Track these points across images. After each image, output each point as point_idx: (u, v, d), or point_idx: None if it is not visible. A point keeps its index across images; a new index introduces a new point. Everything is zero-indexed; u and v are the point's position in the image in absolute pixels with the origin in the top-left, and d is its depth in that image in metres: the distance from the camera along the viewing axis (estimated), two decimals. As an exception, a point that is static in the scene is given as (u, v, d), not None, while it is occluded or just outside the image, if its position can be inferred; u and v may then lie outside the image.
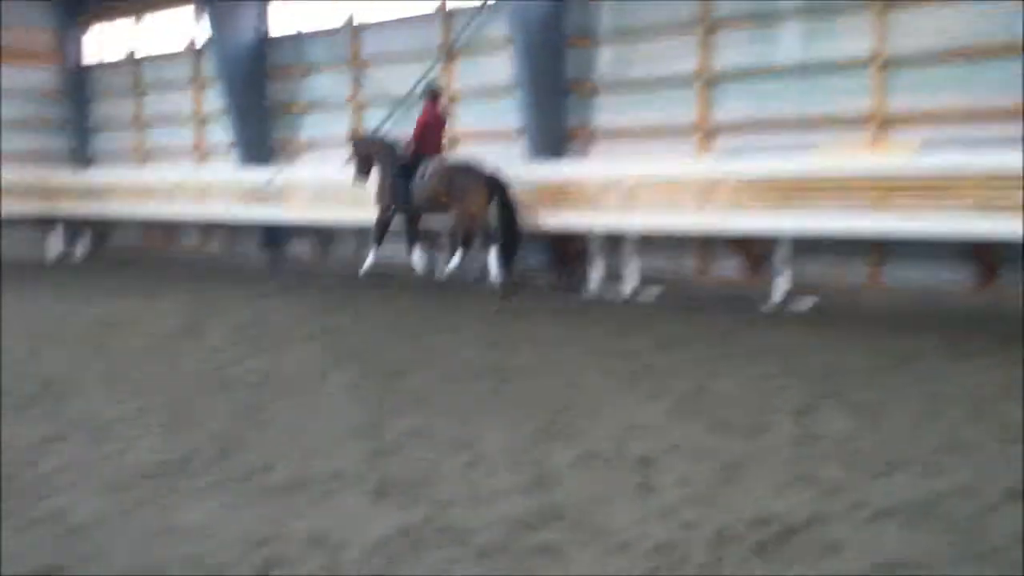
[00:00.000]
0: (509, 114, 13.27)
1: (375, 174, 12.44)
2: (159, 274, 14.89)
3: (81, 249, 18.88)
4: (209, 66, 16.85)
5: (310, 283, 13.32)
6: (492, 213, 11.61)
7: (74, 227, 18.92)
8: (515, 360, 7.57)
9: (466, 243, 11.90)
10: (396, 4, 15.15)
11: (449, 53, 14.36)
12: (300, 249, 16.37)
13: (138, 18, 18.84)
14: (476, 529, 3.90)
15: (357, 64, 15.55)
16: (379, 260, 12.73)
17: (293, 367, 7.32)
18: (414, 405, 6.09)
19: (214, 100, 17.07)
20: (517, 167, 12.63)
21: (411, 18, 14.88)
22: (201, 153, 18.01)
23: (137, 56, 18.99)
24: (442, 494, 4.33)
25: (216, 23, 15.74)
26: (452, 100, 14.40)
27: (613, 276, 11.83)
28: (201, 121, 17.92)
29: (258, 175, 15.39)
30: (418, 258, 12.52)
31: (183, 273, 14.95)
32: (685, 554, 3.65)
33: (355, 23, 15.54)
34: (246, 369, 7.24)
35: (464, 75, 14.32)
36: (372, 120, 15.42)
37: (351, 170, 12.82)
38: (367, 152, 12.58)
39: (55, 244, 18.68)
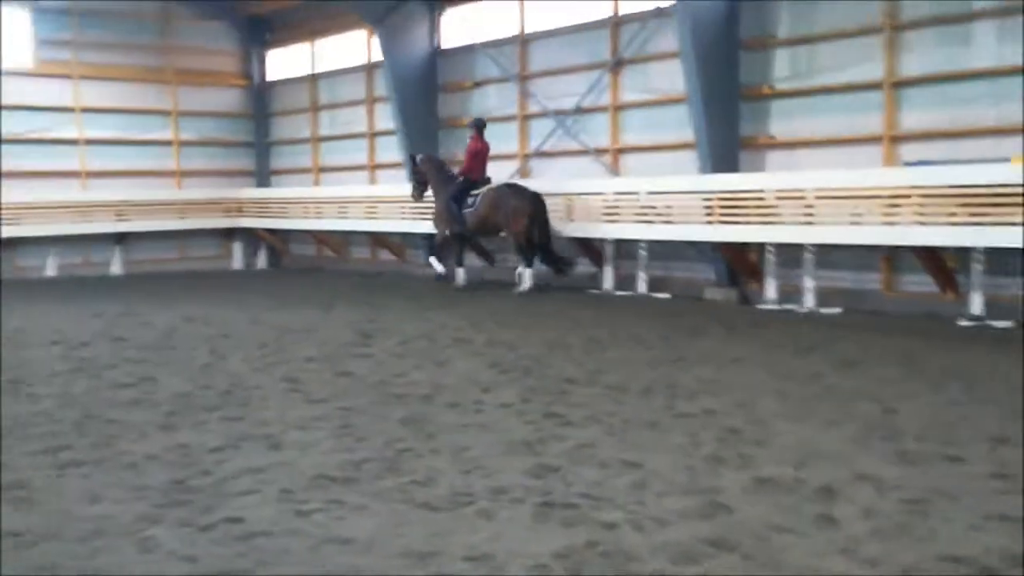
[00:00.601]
0: (679, 124, 13.06)
1: (432, 194, 14.10)
2: (333, 285, 15.55)
3: (261, 261, 20.07)
4: (381, 84, 17.48)
5: (477, 297, 13.53)
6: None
7: (254, 240, 20.15)
8: (687, 378, 7.40)
9: (525, 256, 13.46)
10: (565, 12, 15.21)
11: (617, 63, 14.31)
12: (468, 263, 16.66)
13: (316, 39, 19.81)
14: (642, 556, 3.79)
15: (525, 76, 15.73)
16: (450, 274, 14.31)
17: (459, 380, 7.42)
18: (580, 422, 6.04)
19: (386, 117, 17.70)
20: (688, 179, 12.46)
21: (579, 27, 14.91)
22: (373, 169, 18.71)
23: (314, 75, 19.96)
24: (607, 516, 4.25)
25: (389, 41, 16.31)
26: (619, 111, 14.35)
27: (792, 291, 11.43)
28: (373, 137, 18.62)
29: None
30: (462, 274, 14.22)
31: (356, 285, 15.55)
32: (869, 594, 3.42)
33: (524, 33, 15.72)
34: (414, 381, 7.41)
35: (632, 85, 14.23)
36: (538, 133, 15.58)
37: (410, 187, 14.48)
38: (424, 174, 14.12)
39: (237, 256, 19.93)
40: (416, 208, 15.78)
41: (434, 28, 16.88)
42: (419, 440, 5.63)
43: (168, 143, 20.04)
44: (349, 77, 19.15)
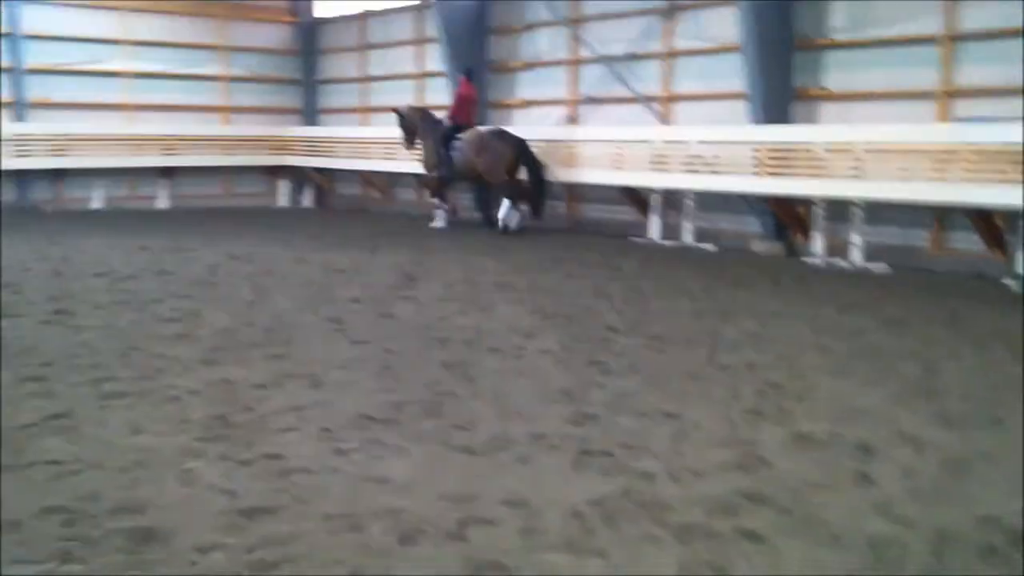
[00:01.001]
0: (732, 73, 12.79)
1: (421, 141, 14.85)
2: (378, 227, 15.58)
3: (307, 199, 20.17)
4: (432, 25, 17.30)
5: (522, 241, 13.50)
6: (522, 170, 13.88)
7: (300, 178, 20.24)
8: (729, 330, 7.33)
9: (511, 196, 14.04)
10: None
11: (671, 9, 13.99)
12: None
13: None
14: (676, 507, 3.78)
15: (576, 21, 15.45)
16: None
17: (501, 326, 7.42)
18: (621, 371, 6.02)
19: (435, 59, 17.55)
20: (737, 129, 12.24)
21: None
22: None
23: (364, 14, 19.80)
24: (644, 466, 4.25)
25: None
26: (672, 57, 14.07)
27: (839, 246, 11.24)
28: (421, 78, 18.48)
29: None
30: (441, 216, 15.04)
31: (400, 226, 15.57)
32: (903, 553, 3.39)
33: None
34: (456, 326, 7.42)
35: (685, 33, 13.93)
36: (588, 79, 15.35)
37: (400, 136, 15.15)
38: (412, 123, 14.94)
39: (282, 194, 20.05)
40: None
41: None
42: (460, 384, 5.65)
43: (216, 79, 20.08)
44: (399, 17, 18.97)
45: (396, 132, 17.46)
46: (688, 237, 12.99)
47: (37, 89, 17.82)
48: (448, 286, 9.37)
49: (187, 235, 13.58)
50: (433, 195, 15.26)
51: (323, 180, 20.23)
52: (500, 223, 14.10)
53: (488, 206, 14.97)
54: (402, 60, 18.97)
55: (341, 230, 14.98)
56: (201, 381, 5.61)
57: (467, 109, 14.51)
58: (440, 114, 15.15)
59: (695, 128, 12.91)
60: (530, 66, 16.39)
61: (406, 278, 9.87)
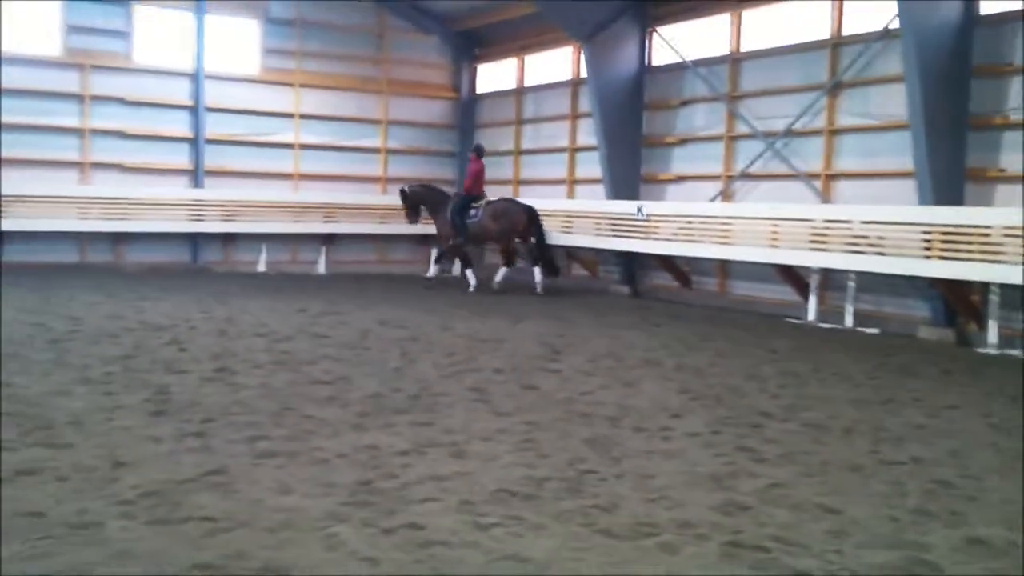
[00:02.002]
0: (898, 151, 12.35)
1: (433, 217, 16.32)
2: (524, 297, 15.70)
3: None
4: (586, 99, 17.57)
5: (671, 317, 13.31)
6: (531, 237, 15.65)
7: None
8: (894, 422, 6.93)
9: (508, 261, 15.96)
10: (781, 32, 14.78)
11: (835, 85, 13.70)
12: (662, 282, 16.47)
13: (524, 55, 20.17)
14: (838, 613, 3.53)
15: (734, 96, 15.36)
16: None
17: (647, 404, 7.27)
18: (774, 459, 5.76)
19: (588, 132, 17.76)
20: (907, 209, 11.77)
21: (796, 47, 14.41)
22: (571, 183, 18.81)
23: (520, 89, 20.32)
24: (800, 563, 4.00)
25: (596, 57, 16.33)
26: (834, 134, 13.75)
27: (1015, 335, 10.53)
28: (574, 152, 18.72)
29: (625, 206, 15.75)
30: (471, 275, 16.14)
31: (546, 298, 15.63)
32: None
33: (737, 52, 15.36)
34: (600, 401, 7.32)
35: (849, 108, 13.61)
36: (745, 154, 15.17)
37: (405, 214, 16.65)
38: (420, 199, 16.37)
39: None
40: (613, 224, 15.78)
41: (643, 46, 16.76)
42: (603, 463, 5.54)
43: (376, 150, 20.98)
44: (554, 92, 19.37)
45: (545, 204, 17.78)
46: (849, 320, 12.49)
47: (214, 158, 19.07)
48: (592, 360, 9.29)
49: (342, 299, 14.08)
50: (440, 259, 16.77)
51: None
52: (494, 285, 15.97)
53: (468, 264, 16.51)
54: (555, 134, 19.29)
55: (485, 300, 15.18)
56: (348, 445, 5.72)
57: (479, 182, 15.92)
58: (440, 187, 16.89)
59: (859, 207, 12.49)
60: (685, 141, 16.34)
61: (549, 350, 9.86)
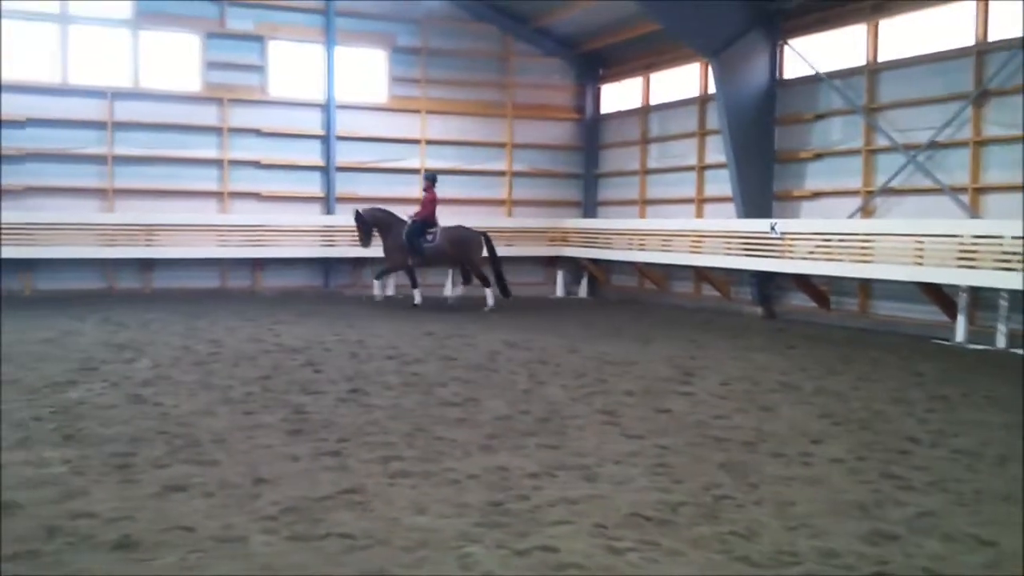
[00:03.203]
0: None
1: (384, 238, 16.84)
2: (653, 319, 15.60)
3: (582, 290, 20.64)
4: (714, 116, 17.38)
5: (808, 339, 12.94)
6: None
7: (577, 269, 20.79)
8: (1053, 450, 6.53)
9: (467, 280, 17.32)
10: (921, 40, 14.27)
11: (982, 94, 13.12)
12: (798, 302, 16.06)
13: (649, 73, 20.11)
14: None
15: (873, 108, 14.89)
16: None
17: (785, 429, 7.09)
18: (923, 487, 5.53)
19: (716, 150, 17.55)
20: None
21: (937, 55, 13.88)
22: (700, 202, 18.58)
23: (646, 107, 20.25)
24: (956, 599, 3.82)
25: (725, 73, 16.14)
26: (982, 145, 13.15)
27: None
28: (702, 170, 18.51)
29: (757, 225, 15.46)
30: (418, 294, 16.88)
31: (676, 319, 15.49)
32: None
33: (874, 63, 14.91)
34: (736, 425, 7.19)
35: (997, 119, 13.00)
36: (885, 168, 14.68)
37: (358, 236, 16.88)
38: (370, 223, 16.75)
39: (559, 284, 20.66)
40: (745, 243, 15.50)
41: (774, 59, 16.47)
42: (740, 488, 5.43)
43: (502, 173, 21.27)
44: (681, 110, 19.22)
45: (673, 224, 17.62)
46: (1001, 340, 11.87)
47: (345, 184, 19.73)
48: (726, 383, 9.12)
49: (468, 322, 14.29)
50: (410, 280, 17.24)
51: (598, 271, 20.64)
52: (447, 297, 17.77)
53: (415, 284, 17.13)
54: (683, 152, 19.13)
55: (614, 321, 15.13)
56: (479, 466, 5.79)
57: (433, 210, 16.83)
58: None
59: (1009, 222, 11.88)
60: (820, 156, 15.93)
61: (681, 372, 9.74)
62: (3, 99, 16.97)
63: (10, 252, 16.65)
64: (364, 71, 20.16)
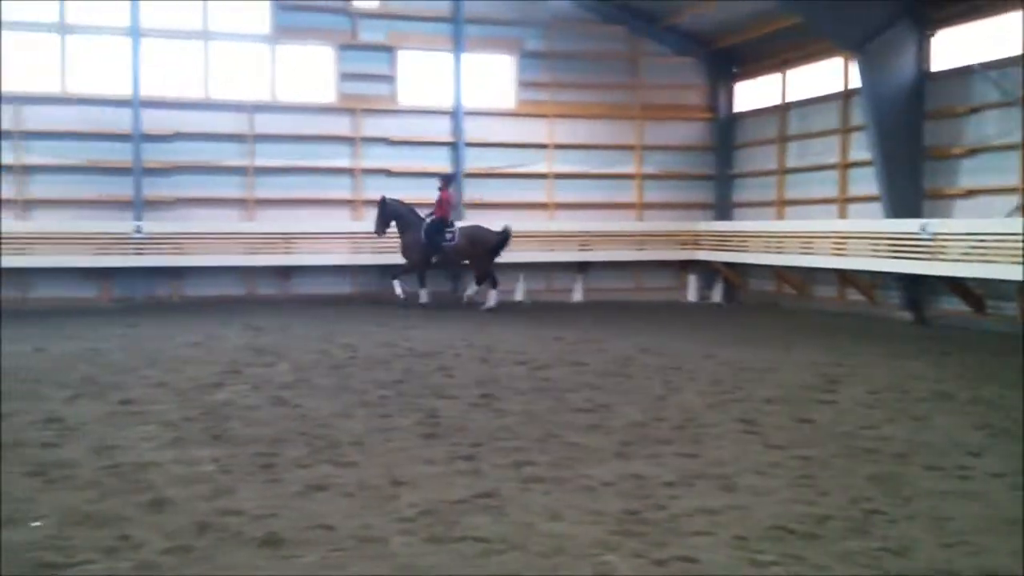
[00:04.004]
0: None
1: (402, 234, 17.41)
2: (792, 324, 15.19)
3: (716, 294, 20.28)
4: (858, 112, 16.81)
5: (962, 345, 12.35)
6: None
7: (710, 273, 20.46)
8: None
9: (493, 280, 17.56)
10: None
11: None
12: (950, 307, 15.34)
13: (786, 69, 19.61)
14: None
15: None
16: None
17: (939, 440, 6.79)
18: (1095, 506, 5.19)
19: (860, 147, 16.97)
20: None
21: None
22: (843, 202, 17.99)
23: (783, 105, 19.76)
24: None
25: (869, 66, 15.58)
26: None
27: None
28: (845, 168, 17.92)
29: (906, 225, 14.86)
30: (424, 292, 17.49)
31: (818, 324, 15.04)
32: None
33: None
34: (885, 436, 6.92)
35: None
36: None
37: (374, 224, 17.39)
38: (390, 213, 17.26)
39: (692, 289, 20.36)
40: (893, 244, 14.92)
41: (921, 51, 15.80)
42: (891, 502, 5.23)
43: (631, 177, 21.13)
44: (821, 106, 18.65)
45: (814, 225, 17.11)
46: None
47: (474, 190, 20.01)
48: (873, 391, 8.79)
49: (599, 327, 14.25)
50: (419, 278, 17.64)
51: (733, 275, 20.26)
52: (464, 298, 17.88)
53: (424, 283, 17.64)
54: (824, 150, 18.56)
55: (751, 326, 14.81)
56: (614, 474, 5.77)
57: (448, 210, 17.51)
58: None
59: None
60: (975, 152, 15.18)
61: (824, 380, 9.44)
62: (151, 115, 17.95)
63: (161, 261, 17.61)
64: (491, 77, 20.41)
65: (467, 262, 17.93)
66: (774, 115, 20.05)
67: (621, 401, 8.19)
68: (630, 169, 21.12)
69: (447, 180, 17.86)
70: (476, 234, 17.50)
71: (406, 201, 17.83)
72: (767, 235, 18.39)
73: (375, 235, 17.54)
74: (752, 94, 21.07)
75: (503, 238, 17.42)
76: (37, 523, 4.73)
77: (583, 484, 5.54)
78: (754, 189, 20.86)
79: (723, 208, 21.43)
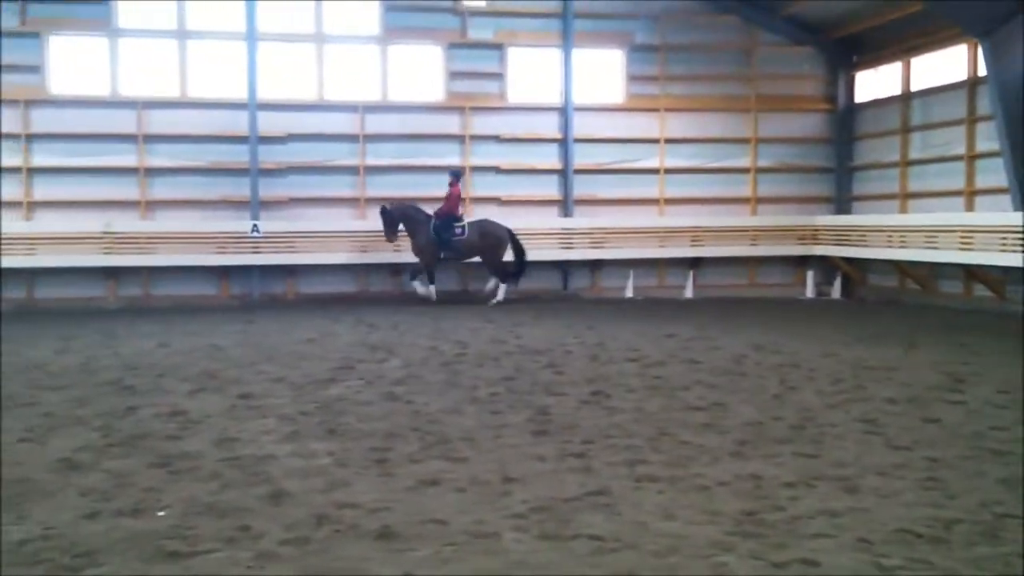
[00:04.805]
0: None
1: (412, 236, 17.52)
2: (915, 321, 14.65)
3: (835, 291, 19.73)
4: (985, 101, 16.10)
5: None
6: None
7: (829, 268, 19.92)
8: None
9: (504, 274, 17.96)
10: None
11: None
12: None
13: (910, 57, 18.91)
14: None
15: None
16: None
17: (1078, 443, 6.45)
18: None
19: (989, 138, 16.25)
20: None
21: None
22: (969, 195, 17.26)
23: (906, 94, 19.06)
24: None
25: (997, 53, 14.90)
26: None
27: None
28: (972, 160, 17.18)
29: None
30: (432, 289, 17.68)
31: (943, 322, 14.46)
32: None
33: None
34: (1017, 437, 6.61)
35: None
36: None
37: (384, 232, 17.38)
38: (396, 218, 17.38)
39: (809, 285, 19.85)
40: None
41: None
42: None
43: (745, 170, 20.73)
44: (946, 95, 17.92)
45: (939, 219, 16.49)
46: None
47: (582, 187, 19.97)
48: (1005, 391, 8.41)
49: (712, 324, 14.03)
50: (428, 274, 17.78)
51: (853, 270, 19.67)
52: (490, 295, 17.91)
53: (432, 279, 17.77)
54: (949, 141, 17.84)
55: (872, 323, 14.34)
56: (729, 473, 5.67)
57: (457, 204, 17.68)
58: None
59: None
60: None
61: (950, 379, 9.07)
62: (266, 117, 18.52)
63: (276, 259, 18.18)
64: (600, 72, 20.31)
65: (479, 257, 18.07)
66: (896, 105, 19.37)
67: (736, 400, 8.05)
68: (744, 162, 20.74)
69: (457, 175, 17.94)
70: (485, 228, 17.78)
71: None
72: (889, 229, 17.79)
73: (387, 241, 17.60)
74: (873, 83, 20.41)
75: (511, 234, 17.76)
76: (162, 512, 4.93)
77: (698, 483, 5.47)
78: (875, 182, 20.20)
79: (842, 202, 20.83)
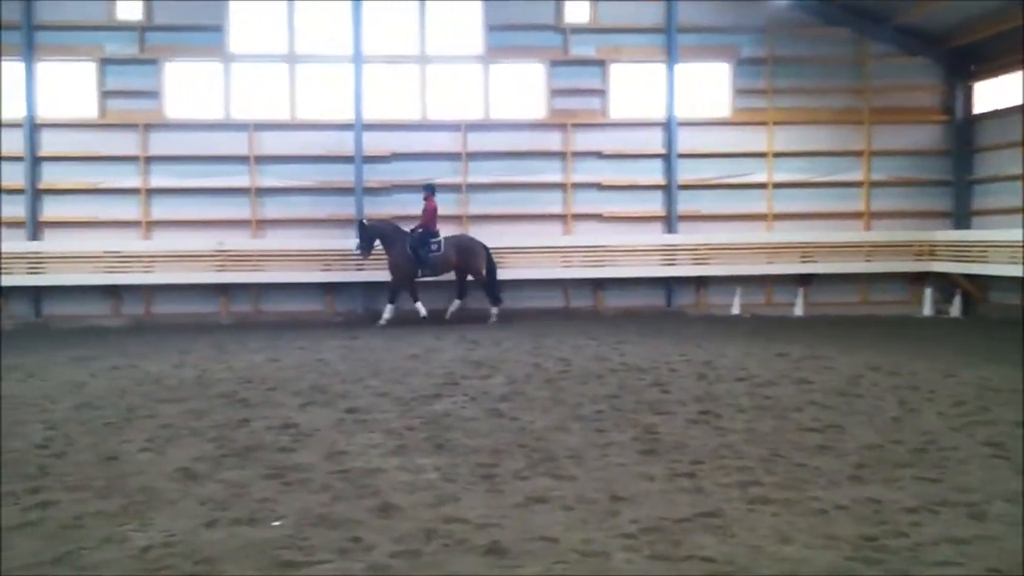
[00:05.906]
0: None
1: (388, 252, 17.46)
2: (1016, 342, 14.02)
3: (954, 308, 18.99)
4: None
5: None
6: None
7: (948, 285, 19.21)
8: None
9: (462, 294, 18.00)
10: None
11: None
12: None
13: (1034, 62, 18.19)
14: None
15: None
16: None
17: None
18: None
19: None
20: None
21: None
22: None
23: (1029, 103, 18.33)
24: None
25: None
26: None
27: None
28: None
29: None
30: (421, 306, 17.57)
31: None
32: None
33: None
34: None
35: None
36: None
37: (357, 246, 17.41)
38: (373, 234, 17.39)
39: (927, 302, 19.17)
40: None
41: None
42: None
43: (857, 184, 20.19)
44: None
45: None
46: None
47: (687, 202, 19.76)
48: None
49: (824, 343, 13.67)
50: (410, 293, 17.72)
51: (973, 287, 18.92)
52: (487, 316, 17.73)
53: (416, 298, 17.70)
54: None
55: (995, 343, 13.74)
56: (847, 497, 5.52)
57: (433, 219, 17.59)
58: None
59: None
60: None
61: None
62: (371, 137, 18.93)
63: (379, 276, 18.48)
64: (705, 86, 20.11)
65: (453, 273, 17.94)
66: (1018, 115, 18.59)
67: (852, 422, 7.82)
68: (857, 176, 20.20)
69: (431, 189, 17.86)
70: (462, 243, 17.77)
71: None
72: (1013, 244, 17.06)
73: (361, 257, 17.64)
74: (993, 94, 19.66)
75: (487, 250, 17.80)
76: (277, 523, 5.06)
77: (814, 507, 5.33)
78: (996, 195, 19.41)
79: (961, 216, 20.08)
